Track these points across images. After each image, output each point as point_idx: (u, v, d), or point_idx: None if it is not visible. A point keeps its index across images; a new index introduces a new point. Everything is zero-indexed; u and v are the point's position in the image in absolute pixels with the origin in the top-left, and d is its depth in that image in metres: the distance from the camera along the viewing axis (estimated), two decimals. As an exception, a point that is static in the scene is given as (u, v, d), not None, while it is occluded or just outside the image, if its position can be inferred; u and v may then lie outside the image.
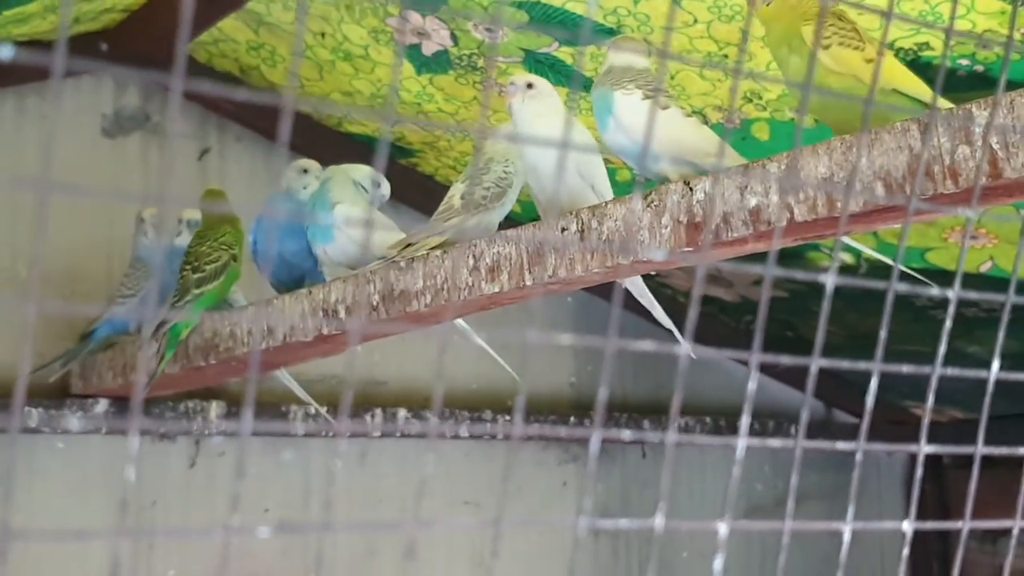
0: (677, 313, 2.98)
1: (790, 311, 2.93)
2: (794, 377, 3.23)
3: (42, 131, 2.43)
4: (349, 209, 1.95)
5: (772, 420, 3.21)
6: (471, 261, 1.57)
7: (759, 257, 1.57)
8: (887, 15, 0.66)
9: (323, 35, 2.33)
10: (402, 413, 2.65)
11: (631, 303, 2.71)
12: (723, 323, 3.12)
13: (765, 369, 3.20)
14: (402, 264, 1.68)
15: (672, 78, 2.16)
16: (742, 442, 0.56)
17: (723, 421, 3.11)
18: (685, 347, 0.60)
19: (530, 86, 1.78)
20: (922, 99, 1.31)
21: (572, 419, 2.91)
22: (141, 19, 2.35)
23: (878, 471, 3.48)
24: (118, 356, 2.25)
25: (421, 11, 2.16)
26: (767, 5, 1.44)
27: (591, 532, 3.03)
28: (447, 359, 2.64)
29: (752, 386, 0.59)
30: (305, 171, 2.15)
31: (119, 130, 2.53)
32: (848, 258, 2.58)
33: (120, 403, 2.36)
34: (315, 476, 2.64)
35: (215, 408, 2.46)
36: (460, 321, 1.95)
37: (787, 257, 2.57)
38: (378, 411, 2.63)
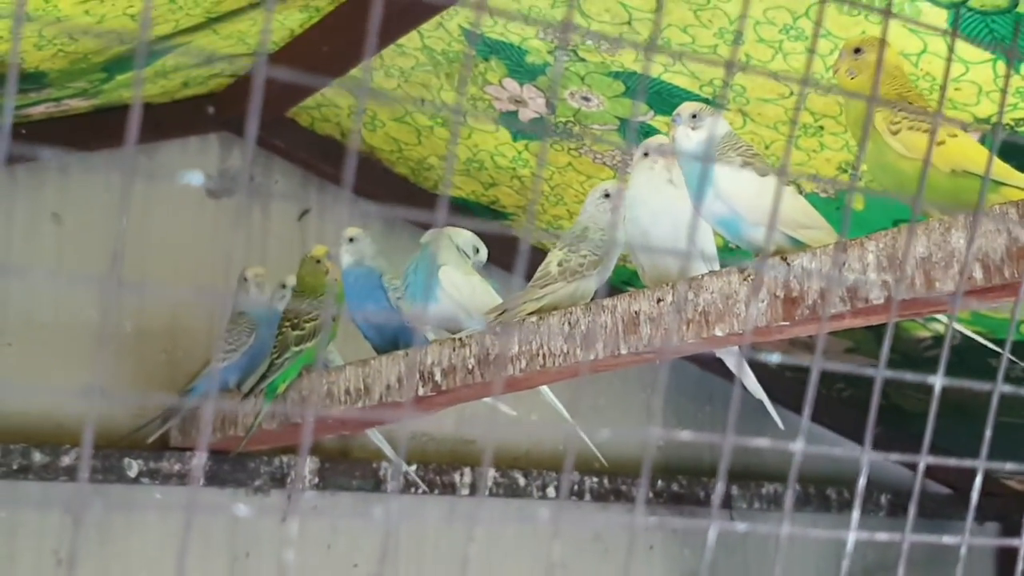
0: (769, 379, 2.97)
1: (885, 381, 2.91)
2: (884, 446, 3.20)
3: (148, 190, 2.51)
4: (453, 272, 1.98)
5: (861, 488, 3.18)
6: (567, 328, 1.60)
7: (855, 332, 1.58)
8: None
9: (423, 101, 2.38)
10: (491, 473, 2.67)
11: (721, 368, 2.71)
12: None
13: (855, 436, 3.18)
14: (498, 329, 1.71)
15: (767, 148, 2.17)
16: (852, 535, 0.58)
17: (812, 488, 3.10)
18: (798, 445, 0.62)
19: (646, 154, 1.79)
20: (999, 180, 1.31)
21: (660, 482, 2.91)
22: (248, 83, 2.43)
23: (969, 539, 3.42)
24: (217, 410, 2.30)
25: (519, 80, 2.20)
26: (852, 78, 1.45)
27: (677, 597, 3.02)
28: (535, 420, 2.66)
29: (862, 482, 0.61)
30: (351, 239, 2.18)
31: (223, 191, 2.60)
32: (941, 328, 2.56)
33: (218, 456, 2.41)
34: (404, 532, 2.67)
35: (309, 464, 2.51)
36: (547, 391, 1.98)
37: (882, 327, 2.56)
38: (467, 469, 2.65)
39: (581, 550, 2.86)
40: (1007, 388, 0.62)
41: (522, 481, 2.71)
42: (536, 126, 2.35)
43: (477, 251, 2.07)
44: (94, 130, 2.36)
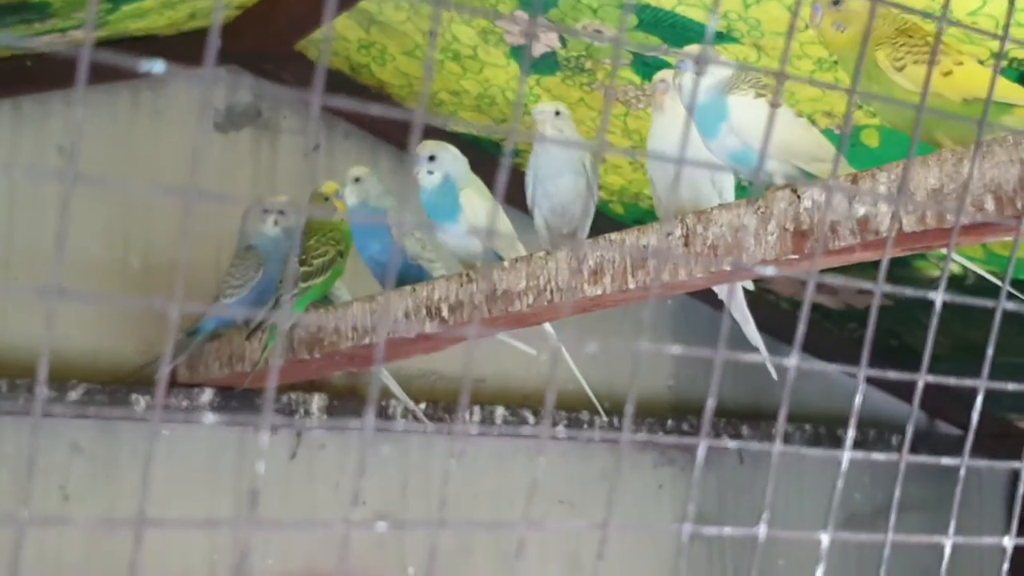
0: (779, 320, 2.95)
1: (895, 320, 2.89)
2: (897, 387, 3.19)
3: (155, 125, 2.48)
4: (475, 196, 1.95)
5: (873, 430, 3.17)
6: (574, 263, 1.57)
7: (867, 268, 1.56)
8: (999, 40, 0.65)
9: (432, 34, 2.35)
10: (500, 411, 2.66)
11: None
12: (827, 330, 3.09)
13: (870, 380, 3.16)
14: (505, 264, 1.69)
15: (780, 83, 2.14)
16: (847, 455, 0.56)
17: (823, 429, 3.08)
18: (792, 360, 0.60)
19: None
20: (1012, 102, 1.28)
21: (670, 422, 2.90)
22: (256, 16, 2.40)
23: (979, 484, 3.41)
24: (224, 347, 2.29)
25: (531, 12, 2.16)
26: (842, 31, 1.41)
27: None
28: (543, 360, 2.65)
29: (859, 399, 0.59)
30: (357, 179, 2.15)
31: (231, 125, 2.58)
32: (955, 268, 2.53)
33: (225, 392, 2.40)
34: (412, 470, 2.67)
35: (317, 401, 2.50)
36: (549, 328, 1.96)
37: (894, 267, 2.53)
38: (476, 408, 2.64)
39: (587, 489, 2.86)
40: (1011, 305, 0.60)
41: (531, 419, 2.70)
42: (548, 59, 2.32)
43: None
44: (100, 62, 2.34)
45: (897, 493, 0.58)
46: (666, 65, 2.19)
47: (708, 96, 1.50)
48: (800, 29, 1.97)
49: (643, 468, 2.96)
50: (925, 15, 0.71)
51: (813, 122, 2.23)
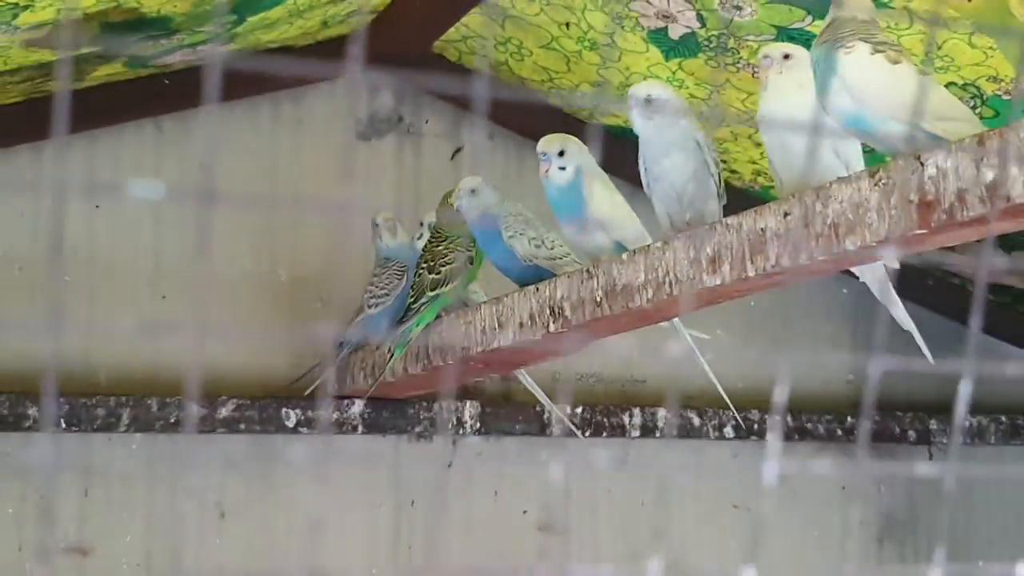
0: (962, 303, 2.74)
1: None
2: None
3: (297, 136, 2.47)
4: (600, 188, 1.85)
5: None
6: (691, 252, 1.46)
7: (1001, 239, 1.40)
8: None
9: (567, 25, 2.26)
10: (662, 412, 2.55)
11: (912, 291, 2.50)
12: (1019, 312, 2.87)
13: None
14: (624, 257, 1.59)
15: (939, 48, 1.97)
16: None
17: (1020, 419, 2.86)
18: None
19: (787, 57, 1.64)
20: None
21: (850, 419, 2.73)
22: (387, 20, 2.35)
23: None
24: (368, 357, 2.25)
25: (663, -8, 2.06)
26: None
27: (875, 538, 2.85)
28: (708, 358, 2.53)
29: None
30: (472, 191, 2.04)
31: (373, 132, 2.54)
32: None
33: (375, 403, 2.36)
34: (573, 476, 2.58)
35: (469, 408, 2.44)
36: (678, 324, 1.85)
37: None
38: (636, 410, 2.54)
39: (763, 492, 2.72)
40: None
41: (697, 421, 2.58)
42: (688, 41, 2.20)
43: None
44: (234, 77, 2.33)
45: None
46: (811, 37, 2.05)
47: (818, 45, 1.37)
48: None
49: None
50: None
51: (978, 90, 2.06)
